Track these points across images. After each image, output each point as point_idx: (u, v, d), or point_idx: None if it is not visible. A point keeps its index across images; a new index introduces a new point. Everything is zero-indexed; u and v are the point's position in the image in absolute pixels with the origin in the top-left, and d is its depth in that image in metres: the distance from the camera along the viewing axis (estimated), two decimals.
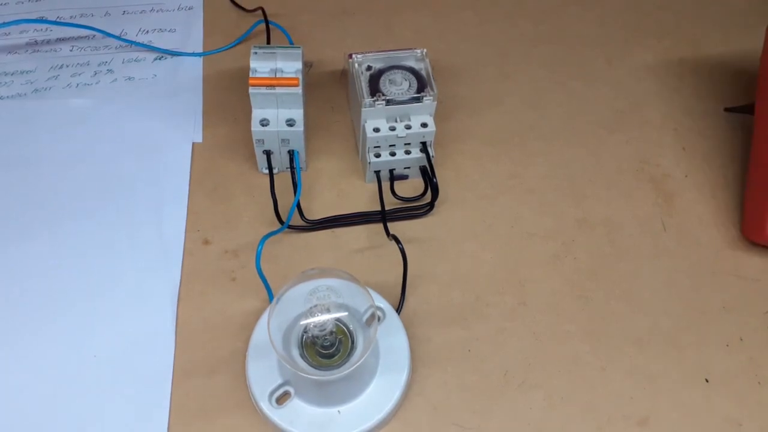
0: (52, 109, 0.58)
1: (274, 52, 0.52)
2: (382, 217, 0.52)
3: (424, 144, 0.53)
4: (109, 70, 0.62)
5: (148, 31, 0.65)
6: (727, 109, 0.61)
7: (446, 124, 0.57)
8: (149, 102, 0.59)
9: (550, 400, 0.46)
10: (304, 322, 0.41)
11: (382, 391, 0.44)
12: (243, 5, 0.66)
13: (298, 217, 0.52)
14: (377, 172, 0.54)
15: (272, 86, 0.50)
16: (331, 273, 0.42)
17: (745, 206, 0.54)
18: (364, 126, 0.52)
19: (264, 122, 0.51)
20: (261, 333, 0.46)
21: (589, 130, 0.60)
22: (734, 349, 0.48)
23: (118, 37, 0.63)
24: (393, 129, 0.51)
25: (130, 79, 0.61)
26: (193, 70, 0.62)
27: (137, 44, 0.63)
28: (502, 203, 0.55)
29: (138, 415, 0.44)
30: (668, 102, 0.61)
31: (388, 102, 0.51)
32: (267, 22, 0.63)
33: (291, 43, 0.63)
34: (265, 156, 0.53)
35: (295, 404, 0.44)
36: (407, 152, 0.53)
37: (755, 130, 0.55)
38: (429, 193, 0.54)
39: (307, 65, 0.61)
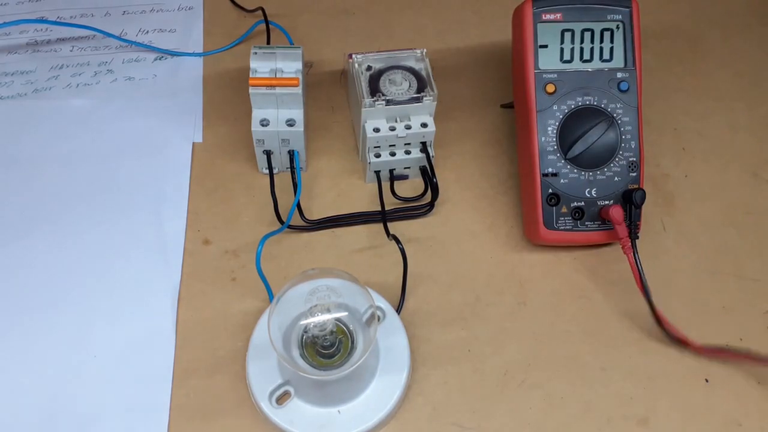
0: (53, 109, 0.58)
1: (274, 52, 0.52)
2: (382, 217, 0.52)
3: (424, 144, 0.53)
4: (109, 70, 0.62)
5: (148, 31, 0.65)
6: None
7: (446, 124, 0.57)
8: (149, 102, 0.59)
9: (550, 400, 0.46)
10: (304, 322, 0.41)
11: (382, 391, 0.44)
12: (243, 5, 0.66)
13: (298, 217, 0.52)
14: (377, 172, 0.54)
15: (272, 86, 0.50)
16: (331, 273, 0.42)
17: (522, 206, 0.54)
18: (364, 126, 0.52)
19: (264, 122, 0.51)
20: (261, 333, 0.46)
21: None
22: None
23: (118, 37, 0.63)
24: (393, 129, 0.51)
25: (130, 79, 0.61)
26: (193, 70, 0.62)
27: (137, 44, 0.63)
28: (502, 203, 0.55)
29: (138, 415, 0.44)
30: (668, 102, 0.61)
31: (388, 102, 0.51)
32: (267, 22, 0.63)
33: (291, 43, 0.63)
34: (265, 156, 0.53)
35: (295, 404, 0.44)
36: (407, 152, 0.53)
37: (516, 127, 0.54)
38: (429, 193, 0.54)
39: (307, 65, 0.61)
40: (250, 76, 0.51)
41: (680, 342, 0.48)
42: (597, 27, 0.50)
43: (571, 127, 0.50)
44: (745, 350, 0.47)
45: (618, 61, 0.51)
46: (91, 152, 0.56)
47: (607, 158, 0.50)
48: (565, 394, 0.46)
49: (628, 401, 0.46)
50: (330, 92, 0.60)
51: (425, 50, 0.53)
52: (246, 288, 0.50)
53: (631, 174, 0.50)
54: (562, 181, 0.50)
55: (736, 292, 0.51)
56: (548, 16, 0.50)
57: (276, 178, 0.53)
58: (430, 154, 0.53)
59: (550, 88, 0.50)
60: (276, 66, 0.51)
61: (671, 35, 0.66)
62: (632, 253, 0.47)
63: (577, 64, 0.50)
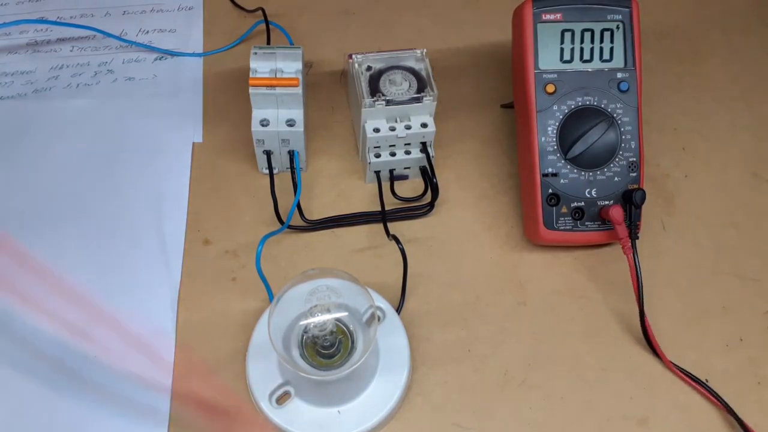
0: (53, 110, 0.58)
1: (274, 52, 0.52)
2: (382, 217, 0.52)
3: (424, 144, 0.53)
4: (110, 71, 0.62)
5: (148, 32, 0.65)
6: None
7: (446, 124, 0.57)
8: (149, 102, 0.59)
9: (550, 400, 0.46)
10: (304, 322, 0.41)
11: (382, 391, 0.44)
12: (243, 5, 0.66)
13: (298, 217, 0.52)
14: (377, 172, 0.54)
15: (272, 86, 0.50)
16: (331, 273, 0.42)
17: (522, 206, 0.54)
18: (364, 126, 0.52)
19: (264, 122, 0.51)
20: (261, 333, 0.46)
21: None
22: (734, 349, 0.48)
23: (118, 38, 0.63)
24: (393, 129, 0.51)
25: (130, 79, 0.61)
26: (193, 70, 0.62)
27: (137, 44, 0.63)
28: (502, 203, 0.55)
29: (138, 416, 0.44)
30: (668, 102, 0.61)
31: (388, 102, 0.51)
32: (267, 22, 0.63)
33: (291, 43, 0.63)
34: (265, 156, 0.53)
35: (295, 404, 0.44)
36: (407, 152, 0.53)
37: (516, 127, 0.54)
38: (429, 193, 0.54)
39: (307, 65, 0.61)
40: (250, 76, 0.51)
41: (655, 353, 0.48)
42: (597, 27, 0.50)
43: (571, 127, 0.50)
44: (708, 387, 0.46)
45: (618, 61, 0.51)
46: (91, 152, 0.56)
47: (607, 158, 0.50)
48: (565, 394, 0.46)
49: (628, 401, 0.46)
50: (330, 92, 0.60)
51: (425, 50, 0.53)
52: (246, 288, 0.50)
53: (631, 174, 0.50)
54: (562, 181, 0.50)
55: (736, 292, 0.51)
56: (548, 16, 0.50)
57: (276, 178, 0.53)
58: (430, 154, 0.53)
59: (550, 88, 0.50)
60: (276, 66, 0.51)
61: (671, 35, 0.66)
62: (632, 254, 0.47)
63: (577, 64, 0.50)
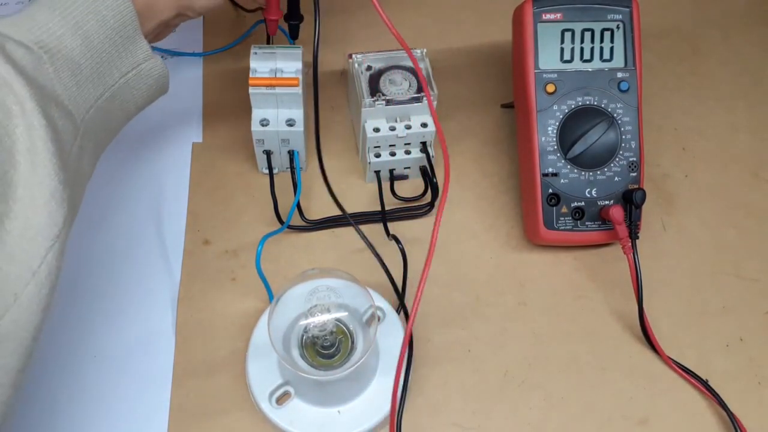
0: None
1: (274, 52, 0.52)
2: (382, 217, 0.52)
3: (424, 144, 0.53)
4: None
5: None
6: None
7: (446, 124, 0.57)
8: None
9: (550, 400, 0.46)
10: (304, 322, 0.41)
11: (382, 391, 0.44)
12: (243, 5, 0.66)
13: (298, 217, 0.52)
14: (377, 172, 0.54)
15: (272, 86, 0.50)
16: (331, 273, 0.42)
17: (522, 206, 0.54)
18: (364, 126, 0.52)
19: (264, 122, 0.51)
20: (261, 333, 0.46)
21: None
22: (734, 349, 0.48)
23: None
24: (393, 129, 0.51)
25: None
26: (193, 70, 0.62)
27: None
28: (503, 203, 0.55)
29: (138, 416, 0.44)
30: (668, 102, 0.61)
31: (388, 102, 0.51)
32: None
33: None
34: (265, 156, 0.53)
35: (295, 404, 0.44)
36: (407, 152, 0.53)
37: (517, 127, 0.54)
38: (429, 193, 0.54)
39: (307, 65, 0.61)
40: (250, 75, 0.50)
41: (656, 352, 0.48)
42: (597, 27, 0.50)
43: (572, 127, 0.50)
44: (705, 383, 0.47)
45: (618, 61, 0.51)
46: None
47: (607, 158, 0.50)
48: (565, 394, 0.46)
49: (628, 401, 0.46)
50: (330, 92, 0.60)
51: (425, 50, 0.53)
52: (246, 288, 0.50)
53: (631, 174, 0.50)
54: (562, 181, 0.50)
55: (736, 292, 0.51)
56: (548, 16, 0.50)
57: (276, 178, 0.53)
58: (430, 154, 0.53)
59: (551, 88, 0.50)
60: (276, 66, 0.51)
61: (671, 35, 0.66)
62: (632, 254, 0.47)
63: (577, 64, 0.50)
